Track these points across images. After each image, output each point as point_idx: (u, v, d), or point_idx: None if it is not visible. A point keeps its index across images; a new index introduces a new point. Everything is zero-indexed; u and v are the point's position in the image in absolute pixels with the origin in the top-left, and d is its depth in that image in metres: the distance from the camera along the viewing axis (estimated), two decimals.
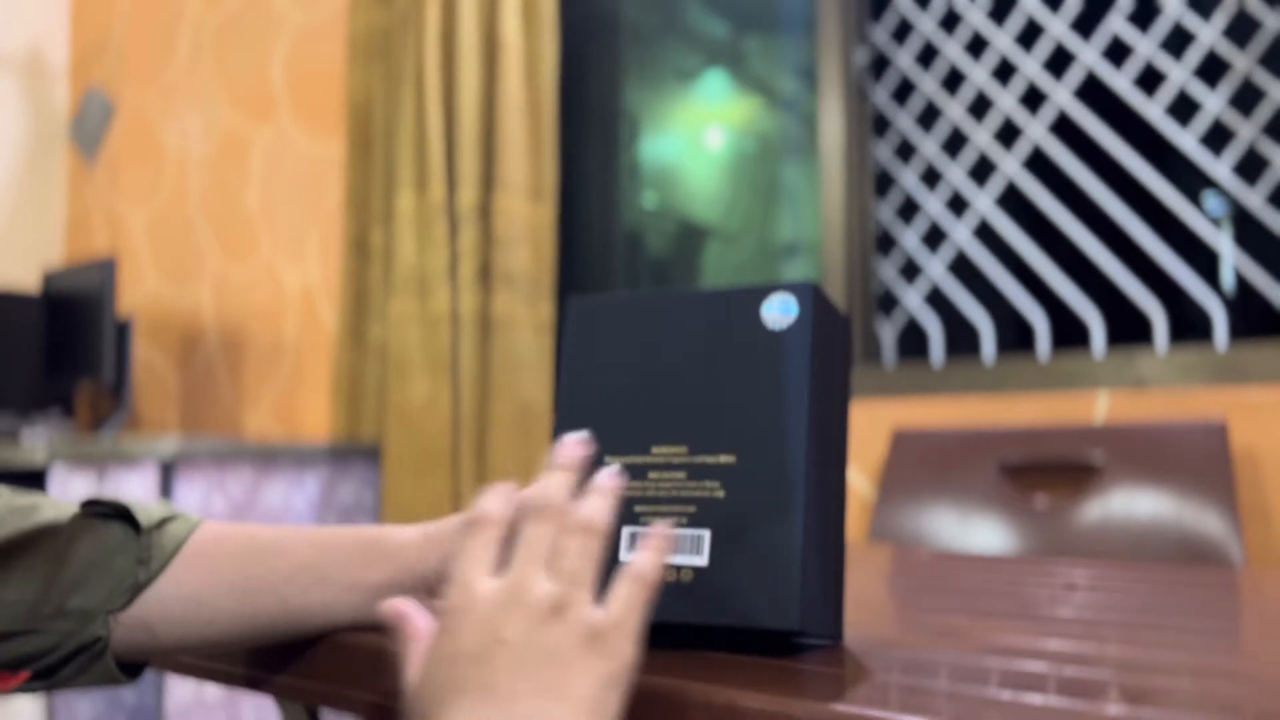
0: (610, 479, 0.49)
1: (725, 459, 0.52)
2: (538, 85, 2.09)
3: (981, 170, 1.84)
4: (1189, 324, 1.63)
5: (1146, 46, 1.69)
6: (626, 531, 0.53)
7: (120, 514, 0.62)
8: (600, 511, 0.48)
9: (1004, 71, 1.83)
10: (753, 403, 0.53)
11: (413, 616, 0.50)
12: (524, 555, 0.47)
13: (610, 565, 0.53)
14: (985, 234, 1.83)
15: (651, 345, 0.56)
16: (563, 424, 0.57)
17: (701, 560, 0.51)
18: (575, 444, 0.51)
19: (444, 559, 0.58)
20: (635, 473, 0.54)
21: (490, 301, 2.07)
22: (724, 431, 0.53)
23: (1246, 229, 1.60)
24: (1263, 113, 1.58)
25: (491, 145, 2.10)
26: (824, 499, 0.53)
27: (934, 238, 1.88)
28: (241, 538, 0.62)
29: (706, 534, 0.51)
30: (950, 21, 1.89)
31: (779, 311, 0.54)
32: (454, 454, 2.07)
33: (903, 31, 1.94)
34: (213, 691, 1.96)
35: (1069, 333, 1.73)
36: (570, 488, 0.49)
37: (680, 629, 0.52)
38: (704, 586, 0.51)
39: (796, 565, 0.49)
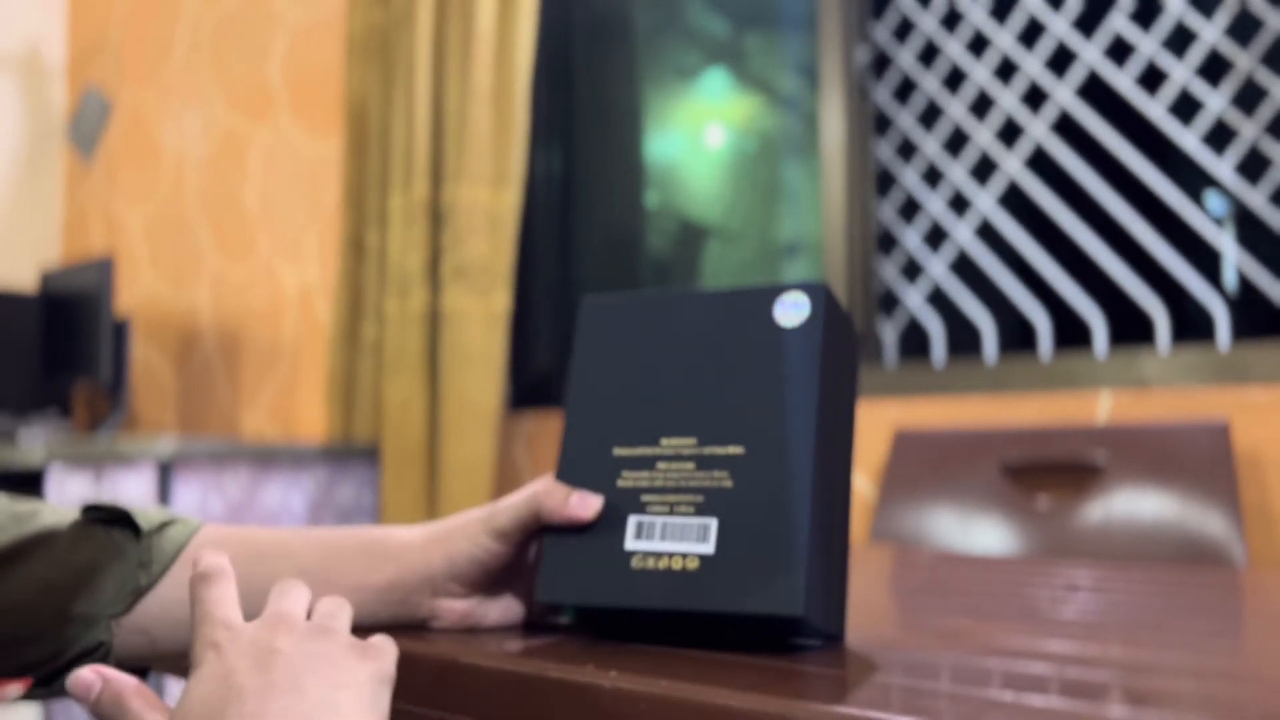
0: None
1: (734, 450, 0.53)
2: (508, 71, 2.08)
3: (983, 169, 1.83)
4: (1191, 324, 1.63)
5: (1148, 45, 1.68)
6: (633, 520, 0.53)
7: (120, 518, 0.62)
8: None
9: (1006, 70, 1.82)
10: (762, 396, 0.53)
11: (113, 675, 0.48)
12: (280, 594, 0.50)
13: (614, 554, 0.52)
14: (987, 233, 1.82)
15: (662, 342, 0.57)
16: (573, 418, 0.58)
17: (708, 549, 0.51)
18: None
19: (447, 559, 0.57)
20: (644, 464, 0.55)
21: (458, 296, 2.06)
22: (733, 424, 0.53)
23: (1249, 228, 1.59)
24: (1265, 112, 1.58)
25: (463, 137, 2.09)
26: (829, 494, 0.53)
27: (935, 237, 1.88)
28: (243, 541, 0.61)
29: (713, 522, 0.52)
30: (952, 20, 1.88)
31: (791, 310, 0.54)
32: (430, 453, 2.06)
33: (904, 30, 1.93)
34: None
35: (1071, 333, 1.72)
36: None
37: (683, 620, 0.51)
38: (709, 574, 0.51)
39: (802, 553, 0.50)
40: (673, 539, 0.52)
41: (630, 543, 0.53)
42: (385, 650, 0.48)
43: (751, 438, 0.53)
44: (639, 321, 0.58)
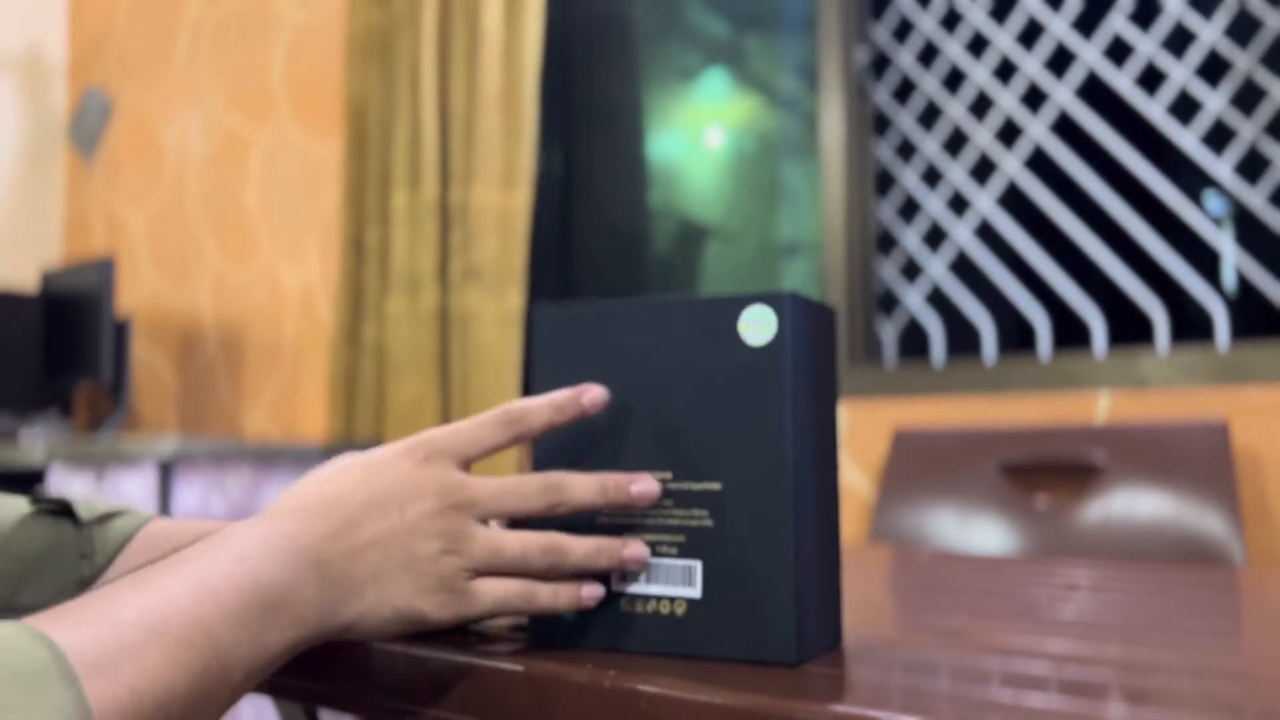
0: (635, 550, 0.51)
1: (711, 486, 0.50)
2: (516, 72, 2.08)
3: (982, 170, 1.83)
4: (1190, 324, 1.63)
5: (1148, 46, 1.68)
6: None
7: (64, 510, 0.62)
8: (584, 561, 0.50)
9: (1005, 71, 1.82)
10: (736, 425, 0.50)
11: None
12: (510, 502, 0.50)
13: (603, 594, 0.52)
14: (986, 234, 1.82)
15: (626, 361, 0.53)
16: (541, 449, 0.54)
17: (695, 592, 0.49)
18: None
19: None
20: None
21: (472, 296, 2.06)
22: (709, 456, 0.50)
23: (1248, 229, 1.60)
24: (1264, 112, 1.58)
25: (472, 138, 2.09)
26: (817, 515, 0.52)
27: (935, 237, 1.88)
28: (192, 530, 0.61)
29: (698, 565, 0.50)
30: (951, 21, 1.89)
31: (755, 326, 0.50)
32: None
33: (904, 30, 1.94)
34: None
35: (1070, 333, 1.72)
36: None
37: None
38: (697, 619, 0.49)
39: (790, 598, 0.48)
40: (658, 582, 0.50)
41: (616, 584, 0.51)
42: (454, 599, 0.49)
43: (728, 471, 0.50)
44: (598, 336, 0.53)
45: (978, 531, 1.53)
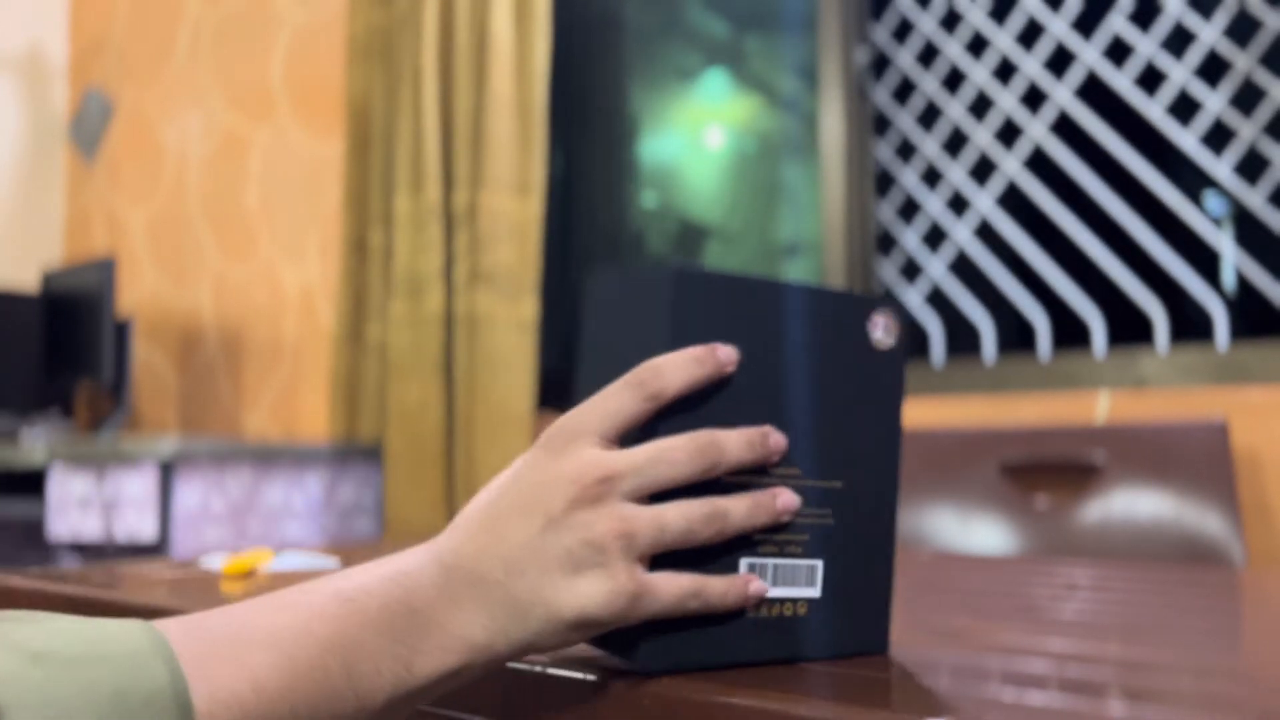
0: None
1: (834, 484, 0.49)
2: (528, 80, 2.09)
3: (982, 170, 1.84)
4: (1190, 324, 1.63)
5: (1147, 46, 1.68)
6: (744, 562, 0.48)
7: None
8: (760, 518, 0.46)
9: (1005, 71, 1.82)
10: (861, 425, 0.50)
11: None
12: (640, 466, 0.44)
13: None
14: (986, 234, 1.82)
15: (759, 342, 0.48)
16: (665, 427, 0.48)
17: (815, 592, 0.49)
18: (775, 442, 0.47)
19: None
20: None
21: (484, 301, 2.07)
22: (834, 454, 0.49)
23: (1247, 229, 1.60)
24: (1263, 112, 1.58)
25: (481, 143, 2.09)
26: None
27: (934, 237, 1.88)
28: None
29: (819, 564, 0.49)
30: (951, 21, 1.89)
31: (882, 330, 0.51)
32: (447, 456, 2.07)
33: (903, 31, 1.94)
34: None
35: (1070, 333, 1.73)
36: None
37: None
38: (813, 619, 0.49)
39: (890, 589, 0.50)
40: (783, 584, 0.48)
41: None
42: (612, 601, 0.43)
43: (849, 470, 0.49)
44: (734, 308, 0.48)
45: (978, 531, 1.53)
